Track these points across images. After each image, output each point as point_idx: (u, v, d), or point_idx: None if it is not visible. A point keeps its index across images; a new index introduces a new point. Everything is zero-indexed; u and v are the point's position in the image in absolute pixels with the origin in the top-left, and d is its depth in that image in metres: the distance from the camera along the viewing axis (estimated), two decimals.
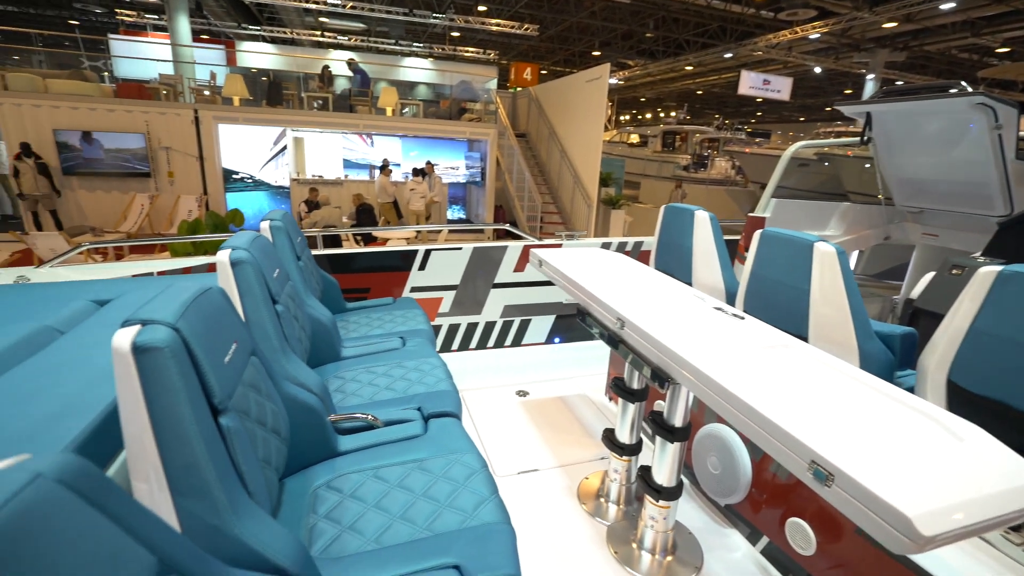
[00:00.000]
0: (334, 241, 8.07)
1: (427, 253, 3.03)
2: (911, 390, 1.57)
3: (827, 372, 1.24)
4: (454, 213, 13.06)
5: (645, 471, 1.68)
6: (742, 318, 1.59)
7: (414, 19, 14.52)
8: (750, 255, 2.03)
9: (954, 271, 2.16)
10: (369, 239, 8.83)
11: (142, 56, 11.51)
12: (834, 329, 1.74)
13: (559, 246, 3.19)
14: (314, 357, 1.91)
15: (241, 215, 8.77)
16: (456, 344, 3.21)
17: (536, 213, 10.52)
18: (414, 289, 3.05)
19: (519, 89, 14.35)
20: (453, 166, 12.87)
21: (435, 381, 1.78)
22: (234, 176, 10.98)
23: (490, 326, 3.24)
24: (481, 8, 14.96)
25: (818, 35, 12.98)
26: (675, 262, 2.49)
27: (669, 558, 1.72)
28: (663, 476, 1.62)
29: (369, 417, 1.52)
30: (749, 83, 12.80)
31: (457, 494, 1.23)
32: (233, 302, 1.38)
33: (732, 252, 2.63)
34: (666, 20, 14.86)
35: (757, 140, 19.13)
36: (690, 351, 1.30)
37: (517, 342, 3.33)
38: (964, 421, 1.03)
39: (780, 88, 13.05)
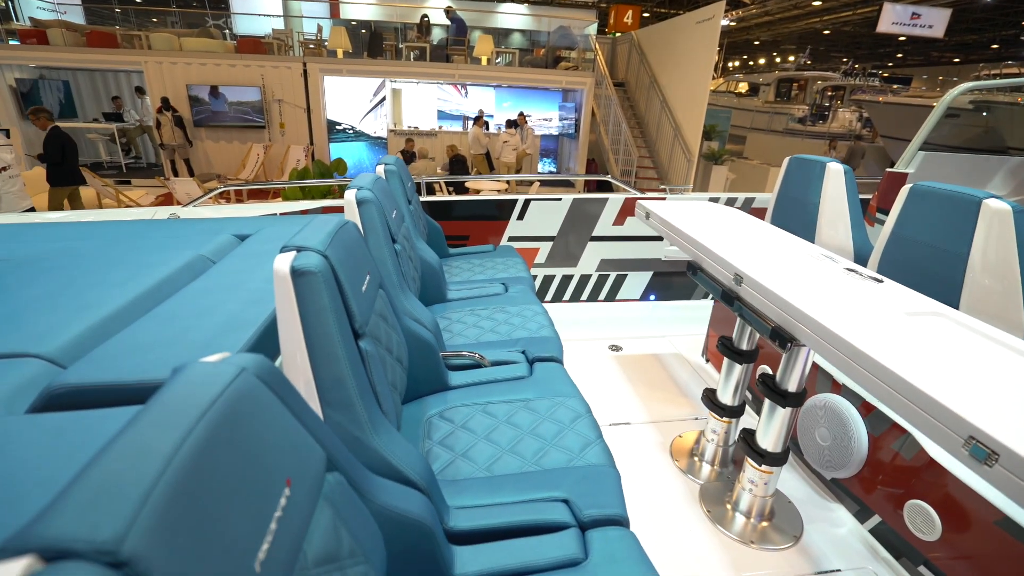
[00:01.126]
0: (427, 190, 8.32)
1: (526, 203, 3.03)
2: None
3: (987, 344, 1.10)
4: (544, 166, 12.88)
5: (748, 434, 1.63)
6: (880, 281, 1.44)
7: None
8: (893, 213, 1.81)
9: None
10: (462, 190, 9.00)
11: (257, 12, 12.19)
12: (995, 300, 1.53)
13: (663, 199, 3.05)
14: (423, 297, 2.01)
15: (344, 164, 9.27)
16: (550, 295, 3.23)
17: (631, 167, 10.07)
18: (511, 239, 3.08)
19: (619, 34, 13.51)
20: (546, 117, 12.60)
21: (538, 327, 1.81)
22: (337, 127, 11.56)
23: (585, 279, 3.22)
24: None
25: None
26: (797, 219, 2.29)
27: (765, 523, 1.67)
28: (769, 441, 1.56)
29: (476, 356, 1.59)
30: (893, 18, 10.96)
31: (563, 434, 1.27)
32: None
33: (866, 211, 2.37)
34: None
35: (894, 87, 16.63)
36: (819, 311, 1.21)
37: (611, 297, 3.28)
38: None
39: (933, 23, 11.06)
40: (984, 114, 7.03)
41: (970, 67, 23.08)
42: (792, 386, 1.49)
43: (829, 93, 15.77)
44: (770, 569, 1.54)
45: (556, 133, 12.50)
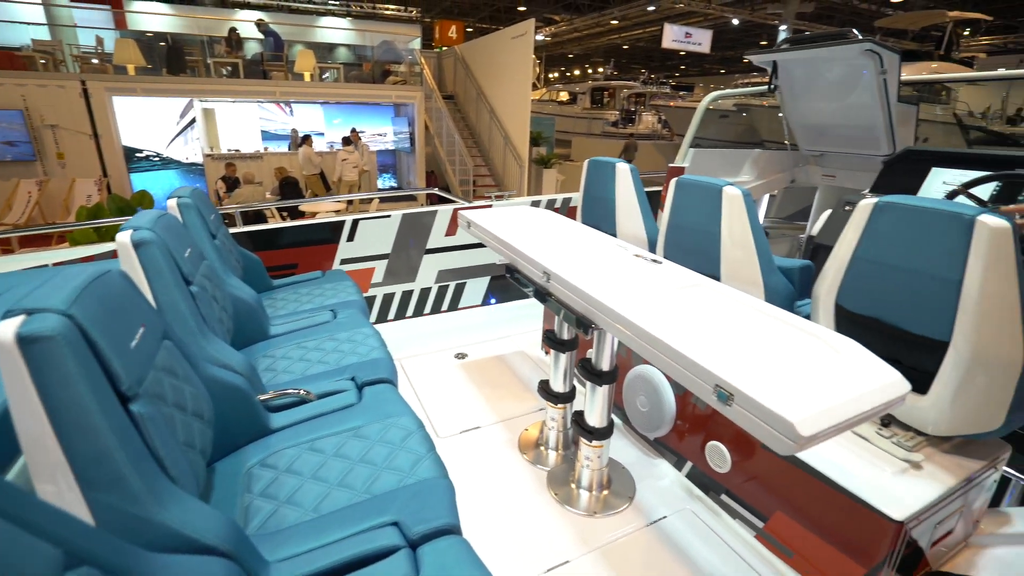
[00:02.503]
0: (258, 218, 7.66)
1: (355, 223, 2.95)
2: (808, 316, 1.74)
3: (732, 305, 1.35)
4: (385, 182, 12.66)
5: (579, 415, 1.78)
6: (660, 263, 1.69)
7: None
8: (667, 203, 2.13)
9: (847, 207, 2.36)
10: (296, 214, 8.43)
11: (7, 19, 10.08)
12: (742, 267, 1.88)
13: (490, 207, 3.20)
14: (240, 337, 1.84)
15: (150, 197, 8.08)
16: (392, 313, 3.18)
17: (468, 176, 10.38)
18: (344, 261, 2.98)
19: (444, 48, 13.85)
20: (380, 132, 12.39)
21: (368, 350, 1.78)
22: (137, 155, 10.06)
23: (425, 292, 3.23)
24: None
25: None
26: (600, 215, 2.57)
27: (605, 492, 1.84)
28: (595, 418, 1.72)
29: (301, 392, 1.51)
30: (672, 36, 12.95)
31: (394, 456, 1.26)
32: (140, 285, 1.31)
33: (658, 203, 2.74)
34: None
35: (681, 93, 19.61)
36: (609, 297, 1.37)
37: (454, 306, 3.34)
38: (842, 336, 1.16)
39: (701, 41, 13.31)
40: (744, 115, 8.68)
41: (732, 77, 28.23)
42: (605, 365, 1.67)
43: (634, 100, 18.00)
44: (611, 533, 1.70)
45: (392, 148, 12.37)
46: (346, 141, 10.20)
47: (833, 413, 0.92)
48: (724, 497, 1.76)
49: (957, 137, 6.25)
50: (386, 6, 17.89)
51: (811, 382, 1.00)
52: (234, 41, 10.21)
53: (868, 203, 1.47)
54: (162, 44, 9.95)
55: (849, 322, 1.57)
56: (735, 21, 16.07)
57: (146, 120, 10.00)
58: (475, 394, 2.42)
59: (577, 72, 36.91)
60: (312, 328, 1.99)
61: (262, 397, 1.43)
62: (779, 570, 1.55)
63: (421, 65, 11.57)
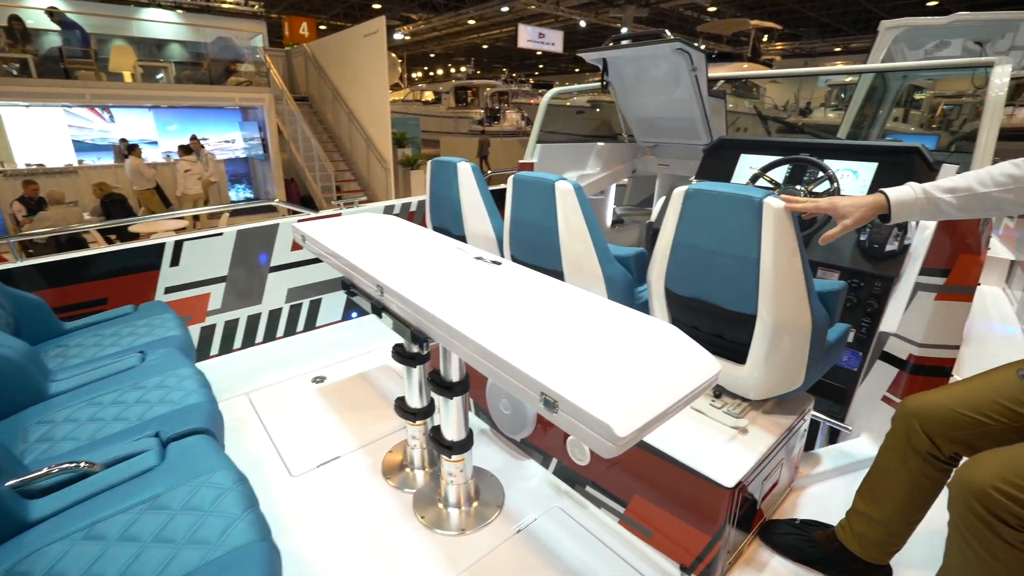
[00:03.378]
0: (74, 245, 6.49)
1: (178, 245, 2.55)
2: (646, 302, 1.82)
3: (563, 303, 1.34)
4: (239, 193, 11.50)
5: (436, 431, 1.69)
6: (499, 264, 1.65)
7: None
8: (508, 201, 2.11)
9: None
10: (128, 237, 7.31)
11: None
12: (582, 260, 1.92)
13: (339, 215, 2.97)
14: None
15: None
16: (239, 342, 2.83)
17: (331, 183, 9.79)
18: (169, 289, 2.57)
19: (293, 47, 12.89)
20: (228, 139, 11.24)
21: (182, 396, 1.52)
22: None
23: (275, 314, 2.92)
24: None
25: None
26: (447, 216, 2.50)
27: (474, 504, 1.77)
28: (451, 431, 1.64)
29: (81, 464, 1.23)
30: (526, 36, 13.38)
31: (200, 525, 1.06)
32: None
33: None
34: None
35: (540, 91, 20.45)
36: (441, 306, 1.29)
37: (311, 325, 3.07)
38: (664, 324, 1.20)
39: (554, 41, 13.93)
40: (598, 110, 9.24)
41: (584, 76, 30.21)
42: (455, 376, 1.59)
43: (497, 98, 18.36)
44: (482, 548, 1.63)
45: (244, 155, 11.27)
46: (186, 150, 9.05)
47: (648, 408, 0.92)
48: (589, 488, 1.78)
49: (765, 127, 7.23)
50: None
51: (630, 379, 1.00)
52: (18, 33, 8.50)
53: (680, 190, 1.55)
54: None
55: (678, 305, 1.66)
56: (583, 23, 17.09)
57: None
58: (334, 420, 2.22)
59: (440, 71, 36.74)
60: (111, 377, 1.66)
61: (13, 482, 1.13)
62: (641, 551, 1.60)
63: (267, 64, 10.64)
